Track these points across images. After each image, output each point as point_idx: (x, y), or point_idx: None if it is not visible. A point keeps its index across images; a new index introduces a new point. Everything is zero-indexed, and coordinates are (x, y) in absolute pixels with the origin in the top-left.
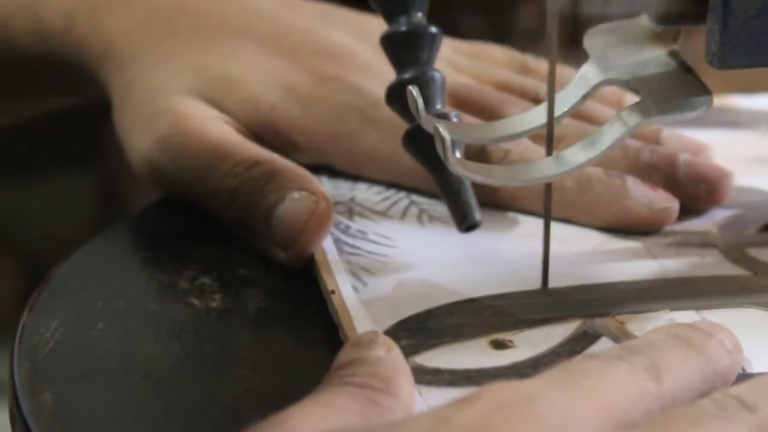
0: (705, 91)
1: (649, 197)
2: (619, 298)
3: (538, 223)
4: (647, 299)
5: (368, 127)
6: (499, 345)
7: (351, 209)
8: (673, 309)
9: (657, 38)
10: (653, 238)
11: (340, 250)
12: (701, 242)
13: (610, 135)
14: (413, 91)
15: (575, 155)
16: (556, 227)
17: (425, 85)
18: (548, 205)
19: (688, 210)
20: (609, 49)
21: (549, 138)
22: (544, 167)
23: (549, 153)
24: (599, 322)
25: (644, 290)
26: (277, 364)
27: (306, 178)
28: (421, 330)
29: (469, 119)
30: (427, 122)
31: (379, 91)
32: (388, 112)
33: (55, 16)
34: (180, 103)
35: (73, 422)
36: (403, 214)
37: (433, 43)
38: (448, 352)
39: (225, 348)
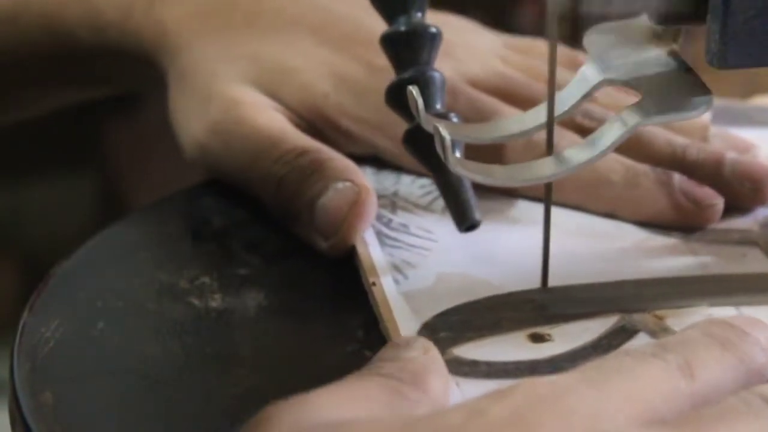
0: (705, 91)
1: (695, 194)
2: (657, 294)
3: (580, 220)
4: (686, 295)
5: None
6: (538, 338)
7: (394, 203)
8: (711, 305)
9: (657, 38)
10: (694, 235)
11: (381, 243)
12: (742, 240)
13: (610, 135)
14: (413, 91)
15: (575, 155)
16: (599, 222)
17: (425, 85)
18: (548, 205)
19: (732, 208)
20: (609, 49)
21: (549, 138)
22: (544, 167)
23: (549, 153)
24: (637, 318)
25: (683, 286)
26: (277, 364)
27: (351, 170)
28: (460, 323)
29: (515, 113)
30: (427, 122)
31: None
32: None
33: (112, 7)
34: (233, 90)
35: (73, 422)
36: (445, 209)
37: (432, 43)
38: (486, 345)
39: (225, 348)
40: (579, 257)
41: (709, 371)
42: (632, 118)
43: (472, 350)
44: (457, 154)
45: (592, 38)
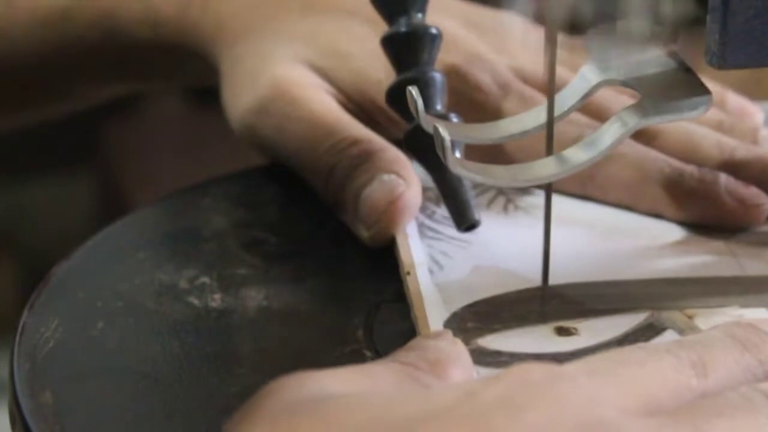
0: (704, 91)
1: (741, 193)
2: (689, 293)
3: (623, 218)
4: (718, 295)
5: (472, 111)
6: (563, 332)
7: (439, 195)
8: (743, 306)
9: (657, 38)
10: (736, 236)
11: (422, 234)
12: None
13: (609, 135)
14: (413, 91)
15: (575, 155)
16: (642, 221)
17: (425, 85)
18: (548, 204)
19: None
20: (609, 49)
21: (549, 138)
22: (545, 167)
23: (549, 153)
24: (667, 315)
25: (716, 286)
26: (277, 364)
27: (399, 162)
28: (488, 314)
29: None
30: (427, 122)
31: (484, 77)
32: (491, 98)
33: (168, 4)
34: (286, 68)
35: (73, 422)
36: (490, 203)
37: (433, 43)
38: (512, 337)
39: (225, 348)
40: (615, 255)
41: (725, 371)
42: (632, 118)
43: (497, 341)
44: (457, 155)
45: (592, 38)
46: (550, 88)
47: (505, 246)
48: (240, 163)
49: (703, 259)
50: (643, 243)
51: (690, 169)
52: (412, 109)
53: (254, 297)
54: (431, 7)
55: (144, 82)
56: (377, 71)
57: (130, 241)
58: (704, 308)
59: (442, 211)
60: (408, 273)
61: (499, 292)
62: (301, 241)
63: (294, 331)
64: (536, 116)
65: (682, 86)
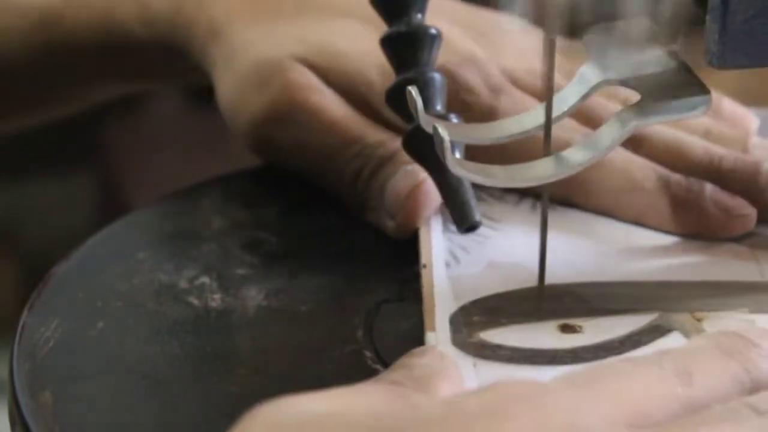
0: (704, 91)
1: (726, 203)
2: (701, 296)
3: (629, 229)
4: (731, 299)
5: (462, 113)
6: (568, 329)
7: (476, 195)
8: (753, 311)
9: (657, 38)
10: (763, 242)
11: (445, 228)
12: None
13: (609, 135)
14: (413, 92)
15: (575, 155)
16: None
17: (425, 86)
18: (546, 205)
19: None
20: (608, 49)
21: (546, 138)
22: (544, 167)
23: (547, 153)
24: (676, 317)
25: (730, 290)
26: (277, 364)
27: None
28: (495, 309)
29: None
30: (427, 123)
31: (475, 79)
32: (482, 100)
33: (162, 3)
34: (293, 72)
35: (73, 422)
36: (519, 201)
37: (432, 44)
38: (516, 332)
39: (225, 348)
40: (637, 254)
41: (711, 379)
42: (631, 119)
43: (500, 335)
44: (457, 155)
45: (591, 38)
46: (548, 88)
47: (525, 244)
48: (240, 163)
49: (724, 263)
50: (665, 244)
51: (676, 177)
52: (411, 109)
53: (254, 297)
54: (429, 9)
55: (141, 82)
56: (370, 73)
57: (130, 241)
58: (714, 312)
59: None
60: (424, 266)
61: (512, 287)
62: (301, 241)
63: (294, 331)
64: (536, 116)
65: (681, 86)
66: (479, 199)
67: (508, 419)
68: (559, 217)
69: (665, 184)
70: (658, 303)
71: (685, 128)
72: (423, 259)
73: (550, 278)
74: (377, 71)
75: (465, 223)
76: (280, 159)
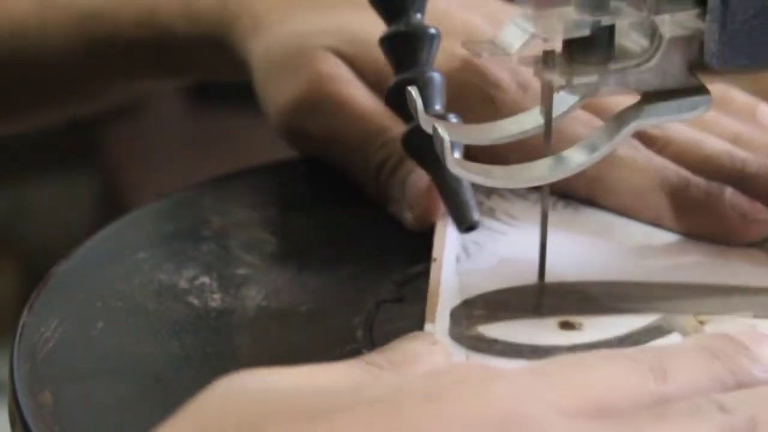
0: (704, 91)
1: (743, 207)
2: (707, 299)
3: (647, 230)
4: (735, 302)
5: (489, 107)
6: (567, 326)
7: (491, 189)
8: (756, 316)
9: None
10: None
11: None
12: None
13: (609, 136)
14: (412, 91)
15: (574, 156)
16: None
17: (424, 85)
18: (546, 205)
19: None
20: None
21: (546, 139)
22: (543, 168)
23: (547, 153)
24: (678, 319)
25: (737, 295)
26: (276, 364)
27: None
28: (498, 303)
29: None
30: (426, 123)
31: (505, 76)
32: (510, 96)
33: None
34: (325, 63)
35: (73, 422)
36: (538, 200)
37: (432, 43)
38: (515, 327)
39: (224, 348)
40: (655, 253)
41: (688, 377)
42: (631, 119)
43: (499, 329)
44: (456, 155)
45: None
46: (548, 88)
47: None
48: (240, 163)
49: (738, 267)
50: (681, 246)
51: (696, 179)
52: (411, 109)
53: (254, 297)
54: (464, 4)
55: (180, 76)
56: None
57: (130, 241)
58: (718, 315)
59: (490, 203)
60: (434, 259)
61: (521, 283)
62: (301, 241)
63: (294, 331)
64: (535, 117)
65: (681, 87)
66: (501, 196)
67: (445, 403)
68: (577, 216)
69: (685, 186)
70: (662, 304)
71: (716, 132)
72: (434, 253)
73: (558, 276)
74: None
75: (465, 223)
76: (308, 148)
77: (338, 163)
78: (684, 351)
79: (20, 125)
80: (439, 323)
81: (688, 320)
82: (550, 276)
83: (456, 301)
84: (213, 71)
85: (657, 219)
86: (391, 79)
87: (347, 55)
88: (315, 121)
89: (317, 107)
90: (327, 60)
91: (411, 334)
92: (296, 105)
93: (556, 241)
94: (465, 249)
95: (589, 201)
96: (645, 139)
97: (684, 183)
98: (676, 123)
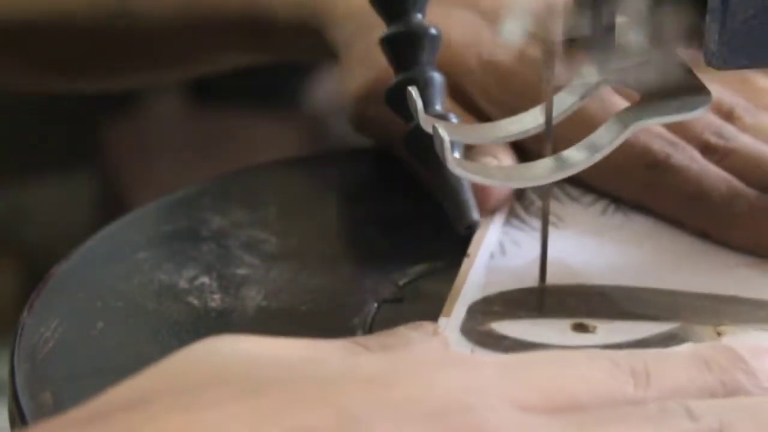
0: (704, 91)
1: None
2: (729, 310)
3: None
4: (759, 315)
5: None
6: (581, 328)
7: (552, 193)
8: None
9: (656, 38)
10: None
11: (507, 222)
12: None
13: (609, 136)
14: (413, 91)
15: (574, 156)
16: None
17: (425, 85)
18: (546, 205)
19: None
20: (608, 50)
21: (546, 139)
22: (543, 168)
23: (547, 153)
24: (696, 328)
25: (761, 306)
26: None
27: (498, 149)
28: (516, 301)
29: None
30: (426, 123)
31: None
32: None
33: None
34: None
35: None
36: (593, 203)
37: (432, 43)
38: (528, 326)
39: None
40: (693, 262)
41: (673, 384)
42: (631, 119)
43: (511, 327)
44: (456, 155)
45: (591, 41)
46: (548, 88)
47: (580, 244)
48: (240, 163)
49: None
50: (722, 259)
51: (747, 191)
52: (411, 109)
53: (254, 297)
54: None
55: (267, 56)
56: (470, 62)
57: (129, 241)
58: (737, 326)
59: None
60: (467, 255)
61: (549, 283)
62: (301, 241)
63: (294, 331)
64: (535, 116)
65: (681, 86)
66: (555, 197)
67: (388, 387)
68: (625, 222)
69: (734, 197)
70: (684, 313)
71: None
72: (469, 249)
73: (587, 278)
74: (477, 62)
75: (464, 222)
76: (374, 135)
77: (397, 153)
78: (676, 358)
79: (128, 83)
80: (454, 318)
81: (706, 330)
82: (580, 278)
83: (477, 296)
84: (299, 53)
85: (704, 228)
86: (465, 76)
87: None
88: (379, 110)
89: (382, 97)
90: None
91: (413, 323)
92: (366, 93)
93: (593, 244)
94: (502, 246)
95: (641, 208)
96: (704, 148)
97: (733, 194)
98: (741, 135)
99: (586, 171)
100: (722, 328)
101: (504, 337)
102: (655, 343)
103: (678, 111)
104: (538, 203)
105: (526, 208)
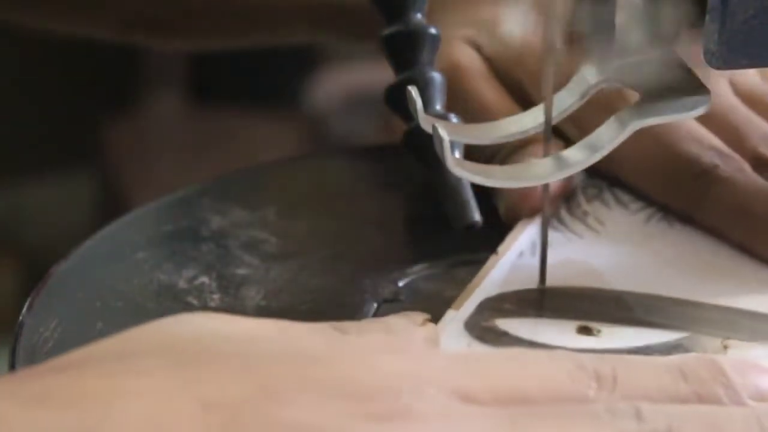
0: (704, 91)
1: None
2: (742, 324)
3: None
4: (763, 330)
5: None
6: (585, 331)
7: (599, 195)
8: None
9: (656, 38)
10: None
11: (548, 222)
12: None
13: (608, 136)
14: (413, 91)
15: (574, 156)
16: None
17: (425, 85)
18: (546, 206)
19: None
20: (608, 50)
21: (546, 139)
22: (543, 168)
23: (546, 153)
24: (704, 340)
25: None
26: None
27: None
28: (529, 301)
29: None
30: (426, 123)
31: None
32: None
33: None
34: (455, 50)
35: None
36: (638, 210)
37: (432, 43)
38: (534, 325)
39: None
40: (706, 277)
41: (642, 392)
42: (631, 119)
43: (515, 325)
44: (456, 155)
45: (591, 41)
46: (547, 88)
47: (616, 251)
48: (240, 163)
49: None
50: (755, 276)
51: None
52: (411, 109)
53: (253, 297)
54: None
55: (330, 35)
56: (528, 60)
57: (129, 241)
58: (746, 342)
59: (586, 208)
60: (496, 253)
61: (571, 285)
62: (301, 241)
63: None
64: (534, 117)
65: (681, 86)
66: (603, 202)
67: (321, 367)
68: (668, 231)
69: None
70: (695, 323)
71: None
72: (499, 247)
73: (609, 283)
74: (534, 60)
75: (464, 222)
76: None
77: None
78: (651, 366)
79: (220, 45)
80: (462, 311)
81: (712, 343)
82: (601, 282)
83: (494, 293)
84: (355, 36)
85: (745, 242)
86: (523, 74)
87: (483, 47)
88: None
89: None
90: (462, 51)
91: (403, 312)
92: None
93: (626, 251)
94: (533, 246)
95: (687, 219)
96: (757, 160)
97: None
98: None
99: (634, 178)
100: (730, 342)
101: (504, 334)
102: (658, 351)
103: (678, 111)
104: (584, 206)
105: (570, 210)
